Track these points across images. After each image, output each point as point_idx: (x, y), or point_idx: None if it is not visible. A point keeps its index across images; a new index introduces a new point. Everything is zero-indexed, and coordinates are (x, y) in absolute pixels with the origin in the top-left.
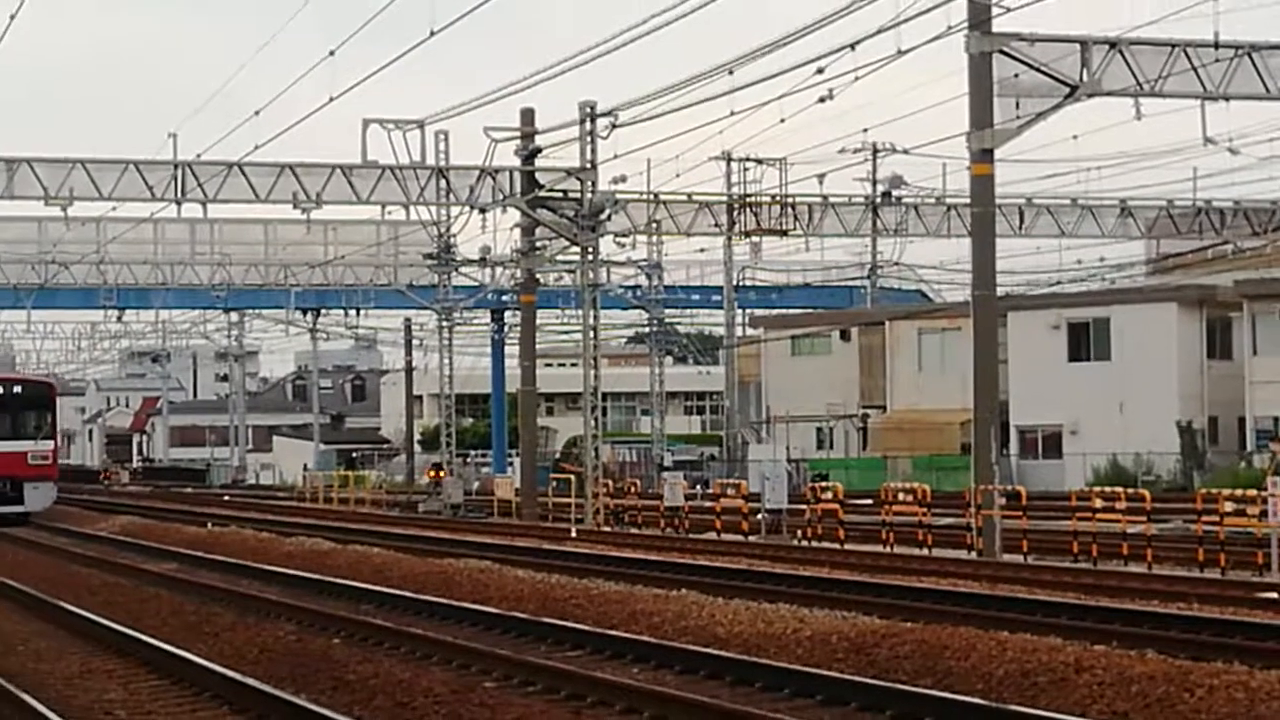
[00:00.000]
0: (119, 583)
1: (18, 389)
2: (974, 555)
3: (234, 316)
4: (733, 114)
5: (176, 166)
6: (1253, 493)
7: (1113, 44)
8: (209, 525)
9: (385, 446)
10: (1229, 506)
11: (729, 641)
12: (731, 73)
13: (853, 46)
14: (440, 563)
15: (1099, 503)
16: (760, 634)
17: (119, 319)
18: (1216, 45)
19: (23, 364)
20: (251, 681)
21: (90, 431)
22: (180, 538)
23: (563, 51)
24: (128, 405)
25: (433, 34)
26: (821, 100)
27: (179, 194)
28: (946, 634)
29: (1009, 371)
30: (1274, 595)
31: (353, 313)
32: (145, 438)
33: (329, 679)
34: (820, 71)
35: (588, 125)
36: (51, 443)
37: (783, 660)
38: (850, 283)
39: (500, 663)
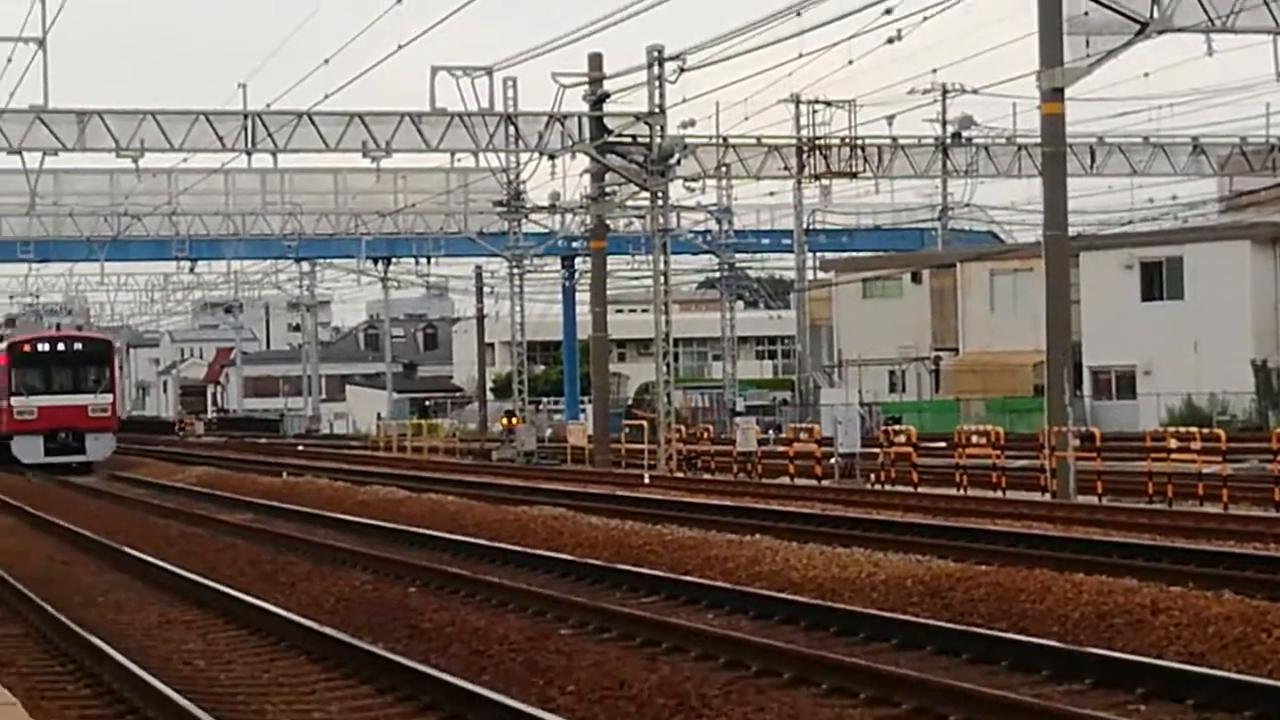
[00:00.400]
0: (196, 533)
1: (78, 346)
2: (1048, 497)
3: (305, 266)
4: (801, 56)
5: (246, 117)
6: None
7: None
8: (284, 475)
9: (458, 394)
10: None
11: (803, 586)
12: (800, 14)
13: None
14: (514, 510)
15: (1174, 443)
16: (835, 578)
17: (191, 270)
18: None
19: (96, 316)
20: (329, 630)
21: (165, 383)
22: (256, 488)
23: None
24: (201, 356)
25: None
26: (890, 41)
27: (249, 144)
28: (1021, 577)
29: (1081, 312)
30: None
31: (423, 261)
32: (219, 388)
33: (405, 627)
34: (889, 12)
35: (656, 69)
36: (110, 396)
37: (857, 604)
38: (921, 225)
39: (575, 610)
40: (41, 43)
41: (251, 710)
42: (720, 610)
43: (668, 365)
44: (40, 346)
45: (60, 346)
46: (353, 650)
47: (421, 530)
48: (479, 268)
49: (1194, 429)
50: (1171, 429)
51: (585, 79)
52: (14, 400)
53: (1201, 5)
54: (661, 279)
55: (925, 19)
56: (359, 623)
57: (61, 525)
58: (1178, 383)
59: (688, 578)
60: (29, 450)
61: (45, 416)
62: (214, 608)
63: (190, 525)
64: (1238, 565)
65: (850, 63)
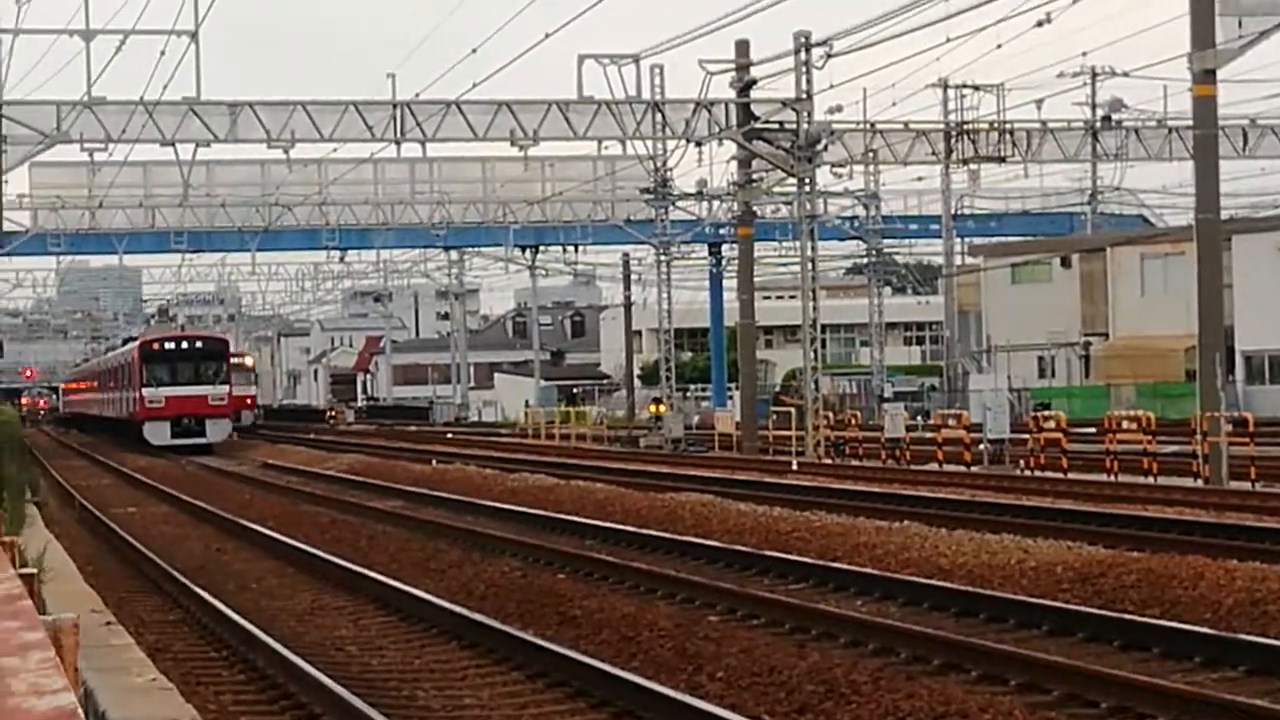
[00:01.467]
0: (347, 520)
1: (198, 344)
2: (1200, 483)
3: (454, 255)
4: (949, 40)
5: (395, 106)
6: None
7: None
8: (433, 462)
9: (605, 382)
10: None
11: (952, 573)
12: None
13: None
14: (662, 497)
15: None
16: (984, 565)
17: (341, 259)
18: None
19: (248, 305)
20: (479, 617)
21: (315, 371)
22: (405, 475)
23: None
24: (351, 345)
25: None
26: (1039, 24)
27: (398, 134)
28: (1173, 563)
29: (1234, 296)
30: None
31: (571, 249)
32: (369, 376)
33: (555, 614)
34: None
35: (803, 55)
36: (226, 387)
37: (1007, 591)
38: (1070, 209)
39: (724, 596)
40: (194, 35)
41: (403, 696)
42: (869, 597)
43: (815, 351)
44: (167, 345)
45: (184, 345)
46: (503, 636)
47: (570, 517)
48: (626, 255)
49: None
50: None
51: (732, 65)
52: (145, 391)
53: None
54: (809, 265)
55: (1075, 1)
56: (509, 609)
57: (216, 513)
58: None
59: (836, 564)
60: (158, 433)
61: (172, 405)
62: (365, 594)
63: (341, 512)
64: None
65: (999, 46)
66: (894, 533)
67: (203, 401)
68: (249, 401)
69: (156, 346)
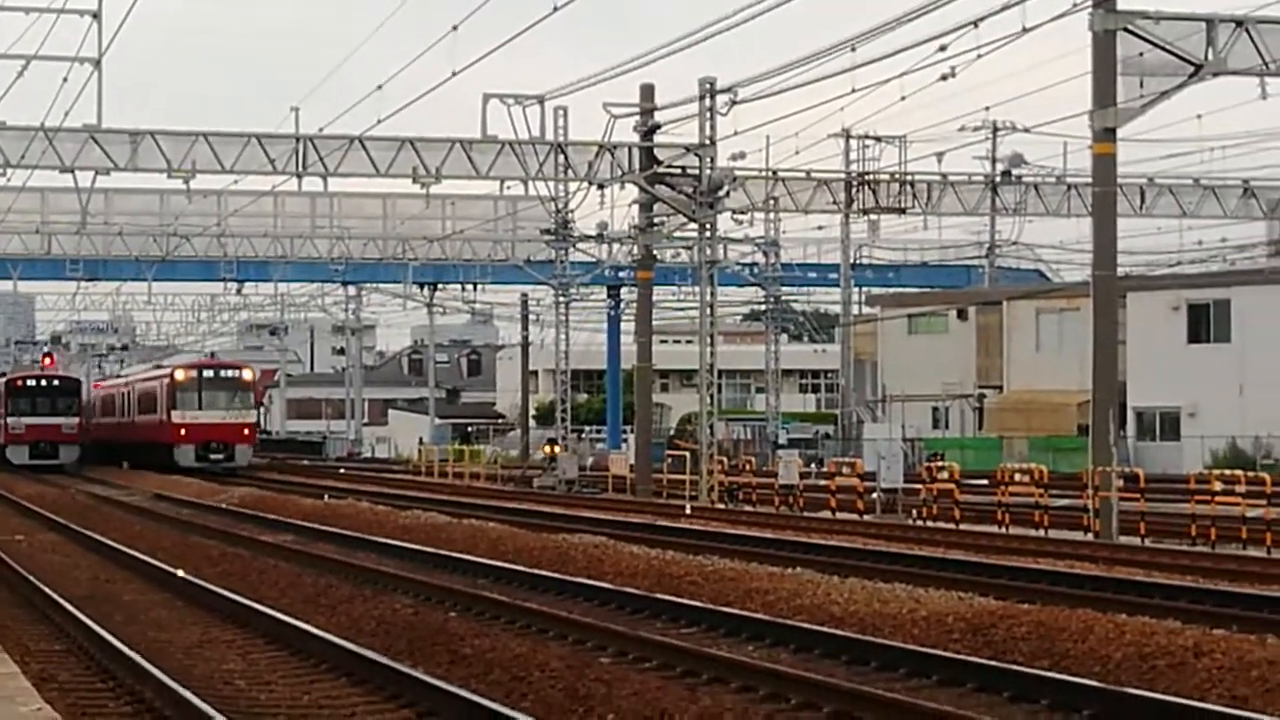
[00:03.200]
0: (238, 553)
1: (55, 382)
2: (1091, 537)
3: (351, 290)
4: (854, 91)
5: (298, 140)
6: None
7: (1239, 22)
8: (325, 497)
9: (500, 421)
10: None
11: (844, 620)
12: (854, 49)
13: (976, 24)
14: (555, 538)
15: (1218, 485)
16: (876, 613)
17: (238, 291)
18: None
19: (142, 335)
20: (370, 654)
21: None
22: (297, 510)
23: (684, 27)
24: None
25: (556, 9)
26: (944, 78)
27: (300, 167)
28: (1063, 616)
29: (1127, 352)
30: None
31: (470, 287)
32: (263, 410)
33: (446, 653)
34: (943, 49)
35: (707, 101)
36: (77, 419)
37: (898, 640)
38: (968, 262)
39: (616, 639)
40: (97, 63)
41: None
42: (761, 643)
43: (711, 396)
44: (29, 382)
45: (43, 382)
46: (393, 674)
47: (462, 556)
48: (524, 295)
49: (1238, 472)
50: (1216, 471)
51: (636, 109)
52: (9, 420)
53: (1256, 48)
54: (708, 310)
55: (979, 56)
56: (399, 647)
57: (106, 543)
58: (1222, 425)
59: (728, 609)
60: (19, 455)
61: (31, 432)
62: (255, 628)
63: (232, 545)
64: None
65: (903, 98)
66: (786, 579)
67: (57, 429)
68: (246, 432)
69: (19, 384)
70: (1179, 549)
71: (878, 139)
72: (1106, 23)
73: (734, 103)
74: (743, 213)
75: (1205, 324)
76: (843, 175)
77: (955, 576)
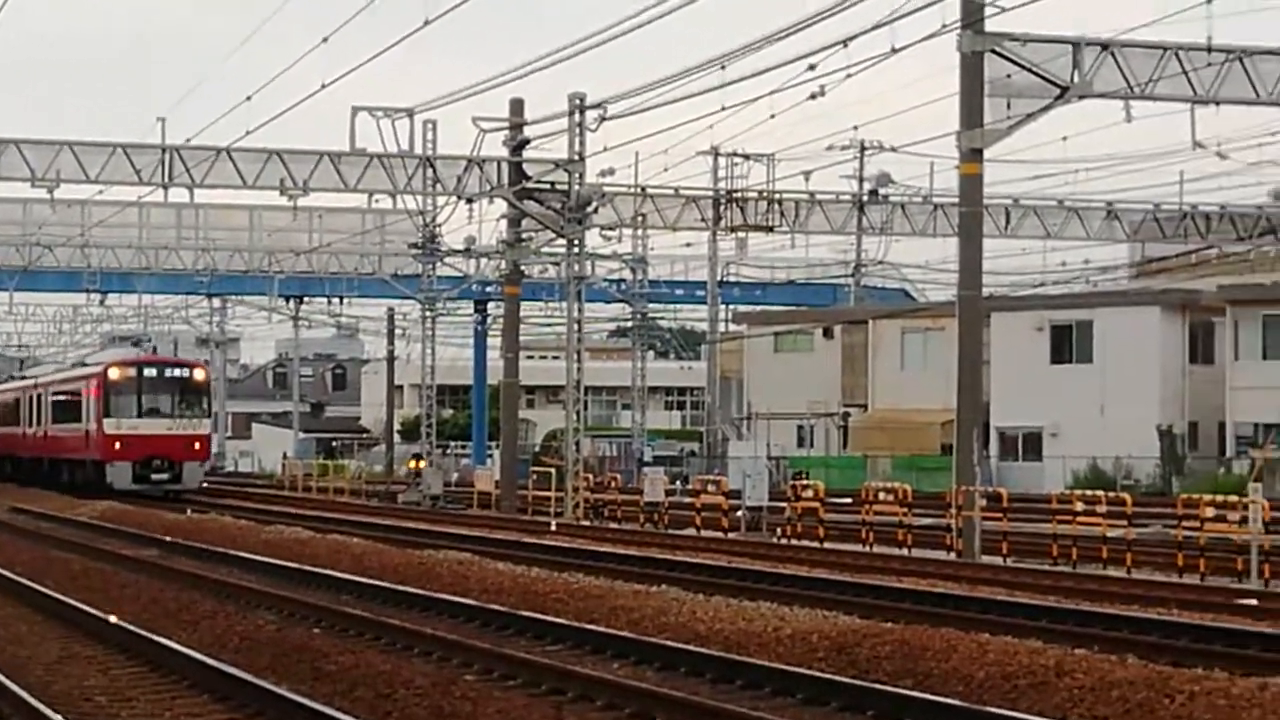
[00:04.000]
0: (100, 568)
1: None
2: (953, 556)
3: (216, 302)
4: (723, 109)
5: (164, 151)
6: (1234, 499)
7: (1105, 46)
8: (188, 512)
9: (365, 436)
10: (1210, 512)
11: (709, 638)
12: (723, 67)
13: (845, 43)
14: (420, 554)
15: (1080, 506)
16: (741, 631)
17: (101, 302)
18: (1209, 49)
19: (3, 347)
20: (232, 670)
21: None
22: (160, 524)
23: (554, 43)
24: None
25: (427, 23)
26: (813, 97)
27: (166, 178)
28: (927, 635)
29: (991, 372)
30: (1253, 602)
31: (335, 301)
32: None
33: (310, 669)
34: (812, 68)
35: (576, 117)
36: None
37: (763, 658)
38: (834, 280)
39: (481, 656)
40: None
41: None
42: (626, 660)
43: (577, 413)
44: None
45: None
46: (256, 690)
47: (326, 571)
48: (391, 309)
49: (1099, 492)
50: (1078, 492)
51: (506, 124)
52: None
53: (1121, 72)
54: (575, 326)
55: (849, 76)
56: (262, 663)
57: None
58: (1084, 446)
59: (593, 626)
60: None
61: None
62: (116, 644)
63: (94, 560)
64: (1142, 630)
65: (772, 117)
66: (652, 596)
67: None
68: (197, 446)
69: None
70: (1041, 568)
71: (746, 157)
72: (974, 44)
73: (603, 119)
74: (611, 229)
75: (1068, 345)
76: (711, 193)
77: (820, 595)
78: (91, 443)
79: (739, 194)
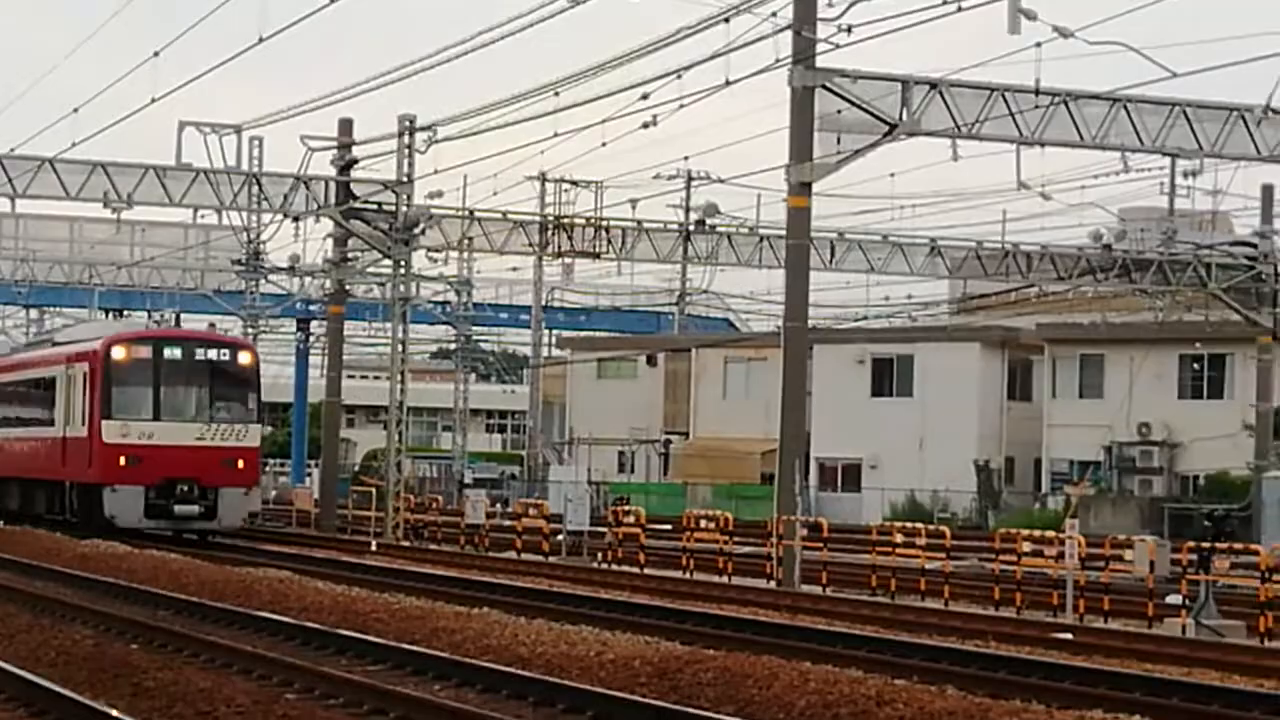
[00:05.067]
0: None
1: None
2: (773, 585)
3: (34, 314)
4: (556, 135)
5: None
6: (1051, 534)
7: (933, 85)
8: (0, 523)
9: None
10: (1027, 547)
11: (531, 661)
12: (557, 94)
13: (679, 74)
14: (238, 571)
15: (899, 538)
16: (563, 655)
17: None
18: (1036, 92)
19: None
20: (50, 685)
21: None
22: None
23: (386, 64)
24: None
25: (261, 40)
26: (645, 126)
27: None
28: (749, 662)
29: (813, 404)
30: (1068, 636)
31: (157, 315)
32: None
33: (129, 685)
34: (645, 97)
35: (406, 139)
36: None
37: (585, 682)
38: (659, 308)
39: (302, 674)
40: None
41: None
42: (448, 682)
43: (399, 434)
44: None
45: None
46: (74, 705)
47: (143, 587)
48: (213, 325)
49: (919, 525)
50: (897, 524)
51: (334, 143)
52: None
53: (949, 111)
54: (399, 347)
55: (681, 106)
56: (80, 678)
57: None
58: (902, 478)
59: (415, 647)
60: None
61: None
62: None
63: None
64: (960, 661)
65: (604, 144)
66: (473, 618)
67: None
68: (241, 465)
69: None
70: (860, 598)
71: (574, 183)
72: (805, 79)
73: (433, 141)
74: (437, 251)
75: (889, 378)
76: (538, 218)
77: (642, 620)
78: (80, 457)
79: (566, 220)
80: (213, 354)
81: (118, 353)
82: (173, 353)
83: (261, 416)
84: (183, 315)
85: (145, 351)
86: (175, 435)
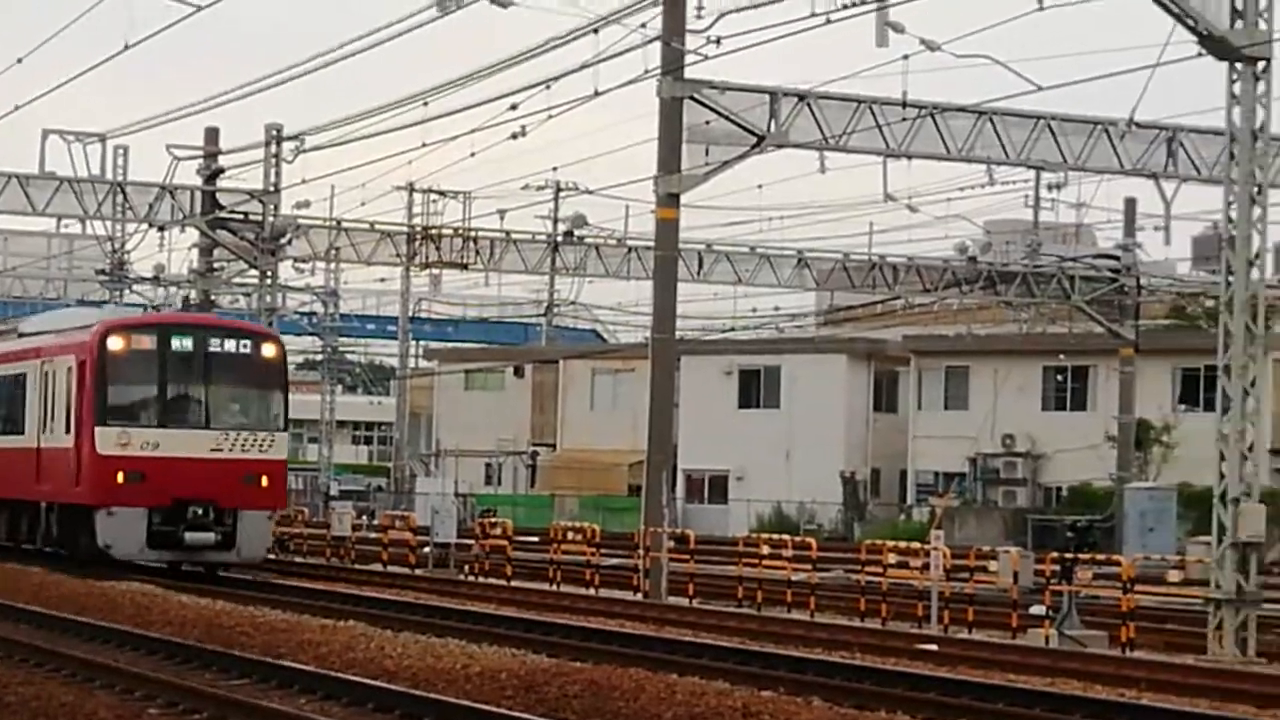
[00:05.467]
0: None
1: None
2: (640, 597)
3: None
4: (424, 145)
5: None
6: (916, 546)
7: (801, 96)
8: None
9: None
10: (892, 559)
11: (398, 674)
12: (426, 104)
13: (548, 85)
14: (100, 584)
15: (765, 549)
16: (429, 668)
17: None
18: (904, 104)
19: None
20: None
21: None
22: None
23: (253, 74)
24: None
25: (127, 47)
26: (514, 136)
27: None
28: (616, 674)
29: (680, 415)
30: (933, 647)
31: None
32: None
33: None
34: (514, 108)
35: (273, 148)
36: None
37: (452, 695)
38: (527, 319)
39: (166, 689)
40: None
41: None
42: (313, 696)
43: None
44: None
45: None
46: None
47: (3, 601)
48: None
49: (785, 536)
50: (764, 535)
51: (200, 152)
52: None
53: (817, 122)
54: None
55: (550, 117)
56: None
57: None
58: (769, 490)
59: (280, 661)
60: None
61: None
62: None
63: None
64: (825, 672)
65: (472, 155)
66: (339, 631)
67: None
68: (265, 482)
69: None
70: (727, 610)
71: (442, 193)
72: (674, 90)
73: (300, 150)
74: (304, 261)
75: (756, 390)
76: (406, 228)
77: (508, 633)
78: (63, 472)
79: (434, 230)
80: (231, 345)
81: (115, 343)
82: (183, 343)
83: (288, 423)
84: None
85: (149, 342)
86: (186, 446)
